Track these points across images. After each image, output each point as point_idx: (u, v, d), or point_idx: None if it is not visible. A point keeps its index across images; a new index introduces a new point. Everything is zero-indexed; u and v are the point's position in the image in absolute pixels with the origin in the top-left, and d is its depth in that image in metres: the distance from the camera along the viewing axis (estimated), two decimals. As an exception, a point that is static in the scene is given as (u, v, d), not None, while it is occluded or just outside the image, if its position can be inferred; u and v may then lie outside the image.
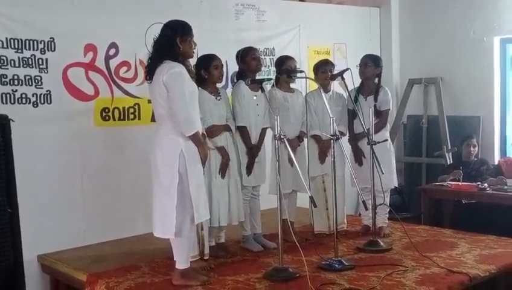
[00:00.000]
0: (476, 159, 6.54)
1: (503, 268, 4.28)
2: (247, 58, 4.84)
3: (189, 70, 4.14)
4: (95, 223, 5.20)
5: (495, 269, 4.20)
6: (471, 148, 6.47)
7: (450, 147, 6.93)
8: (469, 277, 4.00)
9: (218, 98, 4.67)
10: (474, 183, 5.98)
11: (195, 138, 3.91)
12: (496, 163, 6.60)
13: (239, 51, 4.93)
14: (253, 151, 4.80)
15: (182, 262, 4.02)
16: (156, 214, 4.01)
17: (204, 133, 4.30)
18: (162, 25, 4.11)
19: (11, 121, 4.35)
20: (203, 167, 4.08)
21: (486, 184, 5.85)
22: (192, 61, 4.46)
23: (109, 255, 4.87)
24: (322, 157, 5.13)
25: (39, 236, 4.90)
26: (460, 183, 6.12)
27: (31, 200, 4.84)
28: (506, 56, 6.94)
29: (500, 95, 6.96)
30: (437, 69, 7.29)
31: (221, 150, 4.59)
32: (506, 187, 5.74)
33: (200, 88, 4.37)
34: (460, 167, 6.31)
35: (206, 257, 4.50)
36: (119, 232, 5.29)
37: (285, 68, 4.94)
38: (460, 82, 7.15)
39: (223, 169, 4.60)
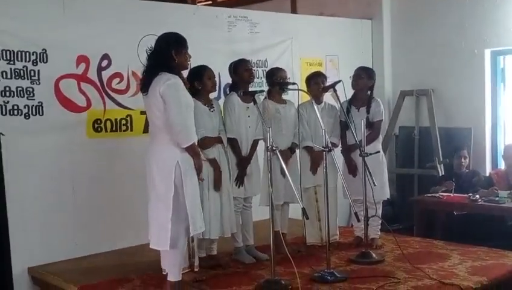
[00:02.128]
0: (467, 170, 6.57)
1: (495, 280, 4.29)
2: (240, 70, 4.86)
3: (184, 82, 4.14)
4: (87, 235, 5.17)
5: (487, 281, 4.21)
6: (462, 160, 6.50)
7: (441, 159, 6.95)
8: (461, 289, 4.01)
9: (212, 109, 4.67)
10: (466, 195, 6.00)
11: (191, 149, 3.92)
12: (487, 174, 6.62)
13: (231, 63, 4.95)
14: (242, 162, 4.80)
15: (174, 274, 4.00)
16: (152, 226, 3.99)
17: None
18: (155, 36, 4.13)
19: (1, 135, 4.35)
20: (198, 178, 4.08)
21: (477, 195, 5.87)
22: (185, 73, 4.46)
23: (101, 267, 4.85)
24: (314, 168, 5.13)
25: (30, 248, 4.88)
26: (452, 194, 6.13)
27: (22, 212, 4.83)
28: (497, 68, 6.99)
29: (491, 106, 7.00)
30: (428, 81, 7.32)
31: (213, 162, 4.58)
32: (497, 198, 5.75)
33: (194, 99, 4.37)
34: (453, 179, 6.33)
35: (196, 269, 4.49)
36: (111, 244, 5.26)
37: (277, 79, 4.96)
38: (451, 94, 7.19)
39: (217, 182, 4.59)
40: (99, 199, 5.24)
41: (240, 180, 4.80)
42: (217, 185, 4.59)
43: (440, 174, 6.84)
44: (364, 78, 5.26)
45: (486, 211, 5.81)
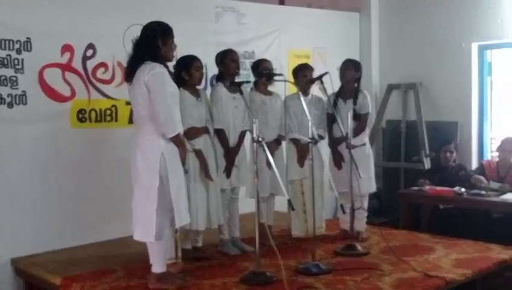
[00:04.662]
0: (454, 164, 6.58)
1: (480, 272, 4.32)
2: (226, 60, 4.83)
3: (169, 72, 4.11)
4: (71, 226, 5.13)
5: (471, 273, 4.23)
6: (448, 154, 6.51)
7: (428, 152, 6.96)
8: (445, 281, 4.03)
9: (199, 99, 4.64)
10: (452, 189, 6.01)
11: (176, 140, 3.89)
12: (474, 168, 6.63)
13: (219, 53, 4.92)
14: (230, 154, 4.77)
15: (158, 266, 3.99)
16: (136, 217, 3.96)
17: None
18: (141, 26, 4.08)
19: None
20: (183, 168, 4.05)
21: (463, 189, 5.87)
22: (172, 63, 4.42)
23: (85, 258, 4.81)
24: (301, 160, 5.12)
25: (13, 239, 4.84)
26: (437, 188, 6.13)
27: (5, 202, 4.80)
28: (484, 62, 7.00)
29: (478, 100, 7.01)
30: (416, 75, 7.33)
31: (198, 153, 4.55)
32: (483, 192, 5.77)
33: (181, 89, 4.34)
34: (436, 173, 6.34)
35: (178, 260, 4.47)
36: (95, 235, 5.23)
37: (262, 70, 4.94)
38: (438, 87, 7.19)
39: (206, 172, 4.56)
40: (83, 189, 5.20)
41: (228, 171, 4.77)
42: (206, 175, 4.55)
43: (426, 168, 6.85)
44: (352, 69, 5.25)
45: (471, 205, 5.83)
